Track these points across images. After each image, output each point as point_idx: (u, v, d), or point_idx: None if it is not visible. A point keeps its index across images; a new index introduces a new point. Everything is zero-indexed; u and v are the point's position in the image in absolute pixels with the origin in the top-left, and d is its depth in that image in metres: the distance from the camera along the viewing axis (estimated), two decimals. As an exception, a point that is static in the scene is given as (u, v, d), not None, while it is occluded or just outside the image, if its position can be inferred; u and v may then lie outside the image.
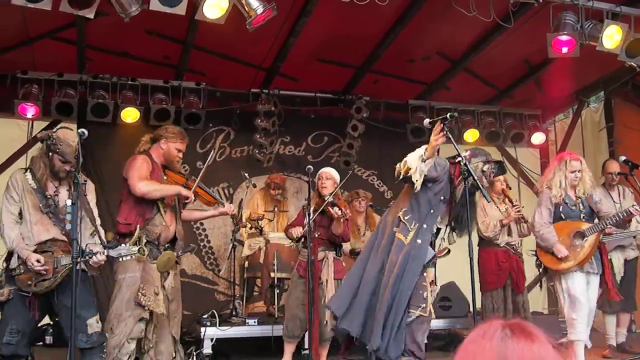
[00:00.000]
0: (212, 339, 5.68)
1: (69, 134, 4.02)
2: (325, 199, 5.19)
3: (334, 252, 5.36)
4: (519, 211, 5.76)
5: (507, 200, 5.90)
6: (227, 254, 6.82)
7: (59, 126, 4.31)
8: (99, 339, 3.99)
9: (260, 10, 4.86)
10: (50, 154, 3.97)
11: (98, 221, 4.12)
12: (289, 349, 5.35)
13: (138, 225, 4.25)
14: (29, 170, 4.03)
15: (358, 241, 6.65)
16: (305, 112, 8.21)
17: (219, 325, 5.80)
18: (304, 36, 6.41)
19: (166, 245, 4.49)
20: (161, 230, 4.41)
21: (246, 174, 6.60)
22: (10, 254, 3.96)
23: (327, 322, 5.07)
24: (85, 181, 3.79)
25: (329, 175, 5.42)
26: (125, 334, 4.21)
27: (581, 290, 4.84)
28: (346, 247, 6.90)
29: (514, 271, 5.70)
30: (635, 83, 7.51)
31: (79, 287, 3.85)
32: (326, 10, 5.91)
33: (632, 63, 5.89)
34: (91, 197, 4.12)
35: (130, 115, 7.14)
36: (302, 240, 5.31)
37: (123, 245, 3.99)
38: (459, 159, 4.09)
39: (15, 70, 6.83)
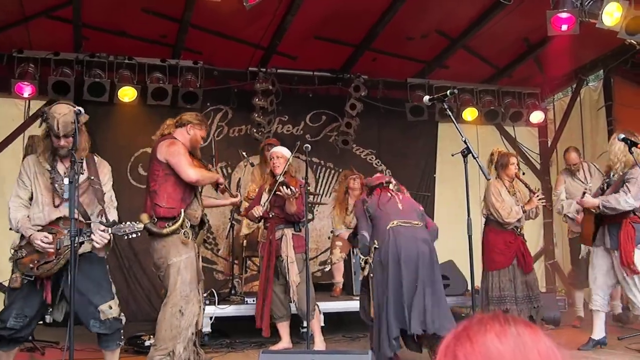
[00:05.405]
0: (211, 318, 5.72)
1: (58, 107, 3.73)
2: (277, 178, 5.20)
3: (292, 229, 5.36)
4: (542, 199, 5.67)
5: (520, 184, 5.77)
6: (226, 233, 6.83)
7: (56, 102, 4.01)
8: (115, 325, 3.86)
9: (257, -13, 4.83)
10: (48, 130, 3.78)
11: (114, 203, 4.03)
12: (281, 329, 5.46)
13: (182, 210, 4.31)
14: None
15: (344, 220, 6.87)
16: (303, 91, 8.17)
17: (218, 304, 5.87)
18: (301, 14, 6.36)
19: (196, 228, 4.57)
20: (198, 214, 4.50)
21: (244, 153, 6.60)
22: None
23: (295, 300, 5.22)
24: (81, 161, 3.70)
25: (280, 154, 5.44)
26: (194, 314, 4.29)
27: (596, 264, 5.30)
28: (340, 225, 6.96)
29: (520, 251, 5.70)
30: (634, 61, 7.44)
31: (94, 271, 3.84)
32: (324, -12, 5.87)
33: (632, 41, 5.83)
34: (107, 179, 4.03)
35: (127, 94, 7.10)
36: (263, 219, 5.47)
37: (129, 223, 3.86)
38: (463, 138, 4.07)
39: (11, 50, 6.79)
